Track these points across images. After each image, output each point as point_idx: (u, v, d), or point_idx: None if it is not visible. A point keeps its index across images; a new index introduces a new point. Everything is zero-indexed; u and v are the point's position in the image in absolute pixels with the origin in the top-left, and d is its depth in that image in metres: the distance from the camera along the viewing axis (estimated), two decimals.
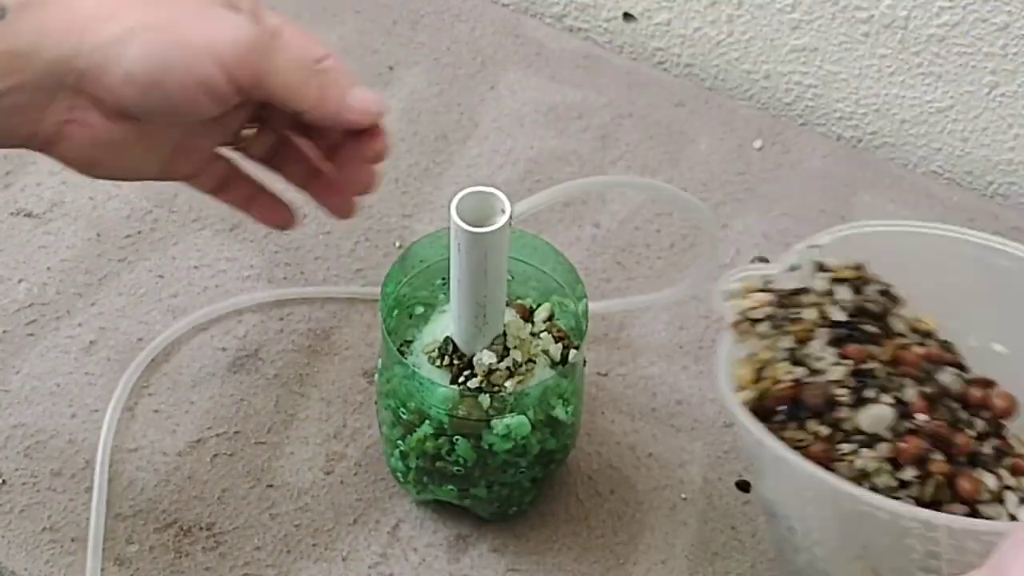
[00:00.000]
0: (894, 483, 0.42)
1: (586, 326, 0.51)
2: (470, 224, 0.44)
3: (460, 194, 0.44)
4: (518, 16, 0.83)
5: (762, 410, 0.44)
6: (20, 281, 0.64)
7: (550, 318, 0.54)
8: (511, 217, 0.44)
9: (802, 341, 0.45)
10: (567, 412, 0.51)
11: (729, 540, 0.55)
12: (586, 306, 0.52)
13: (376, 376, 0.55)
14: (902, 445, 0.42)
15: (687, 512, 0.56)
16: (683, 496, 0.57)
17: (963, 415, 0.44)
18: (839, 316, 0.45)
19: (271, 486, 0.56)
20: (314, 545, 0.54)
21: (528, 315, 0.54)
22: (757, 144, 0.75)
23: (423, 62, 0.78)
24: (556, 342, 0.53)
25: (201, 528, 0.54)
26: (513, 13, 0.84)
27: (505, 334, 0.51)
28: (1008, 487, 0.43)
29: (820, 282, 0.47)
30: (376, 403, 0.56)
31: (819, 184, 0.73)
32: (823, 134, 0.79)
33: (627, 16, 0.82)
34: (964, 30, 0.71)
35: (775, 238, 0.69)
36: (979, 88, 0.73)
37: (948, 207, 0.71)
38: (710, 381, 0.61)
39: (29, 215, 0.67)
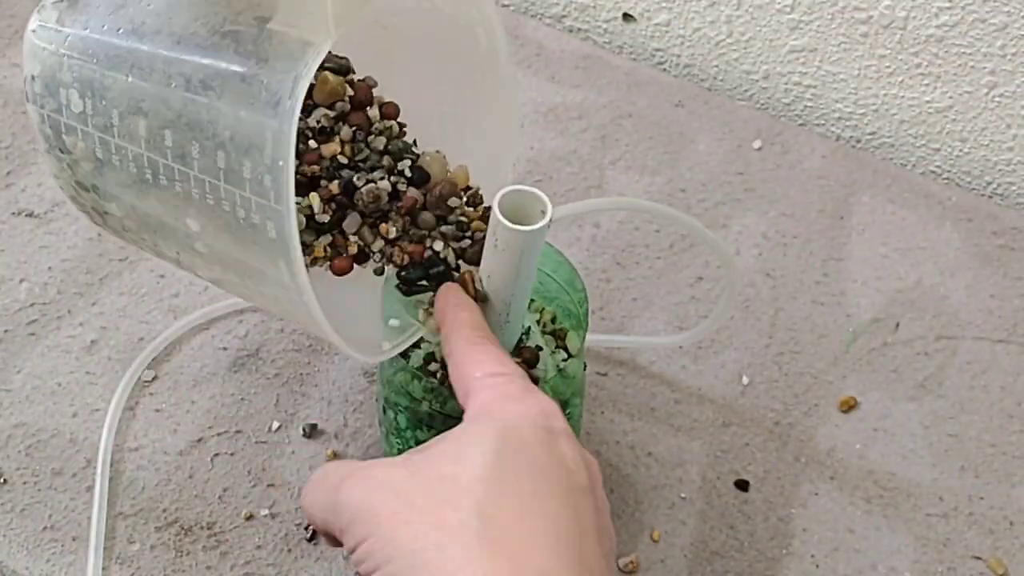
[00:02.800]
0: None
1: (586, 325, 0.51)
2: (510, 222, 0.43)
3: (503, 190, 0.43)
4: (518, 16, 0.83)
5: None
6: (21, 281, 0.64)
7: (552, 320, 0.54)
8: (551, 219, 0.44)
9: None
10: (567, 412, 0.51)
11: (728, 539, 0.55)
12: (586, 310, 0.52)
13: (377, 375, 0.55)
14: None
15: (686, 511, 0.56)
16: (682, 495, 0.57)
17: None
18: None
19: (272, 485, 0.56)
20: (315, 544, 0.54)
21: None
22: (756, 144, 0.75)
23: None
24: (556, 343, 0.53)
25: (202, 527, 0.54)
26: (513, 13, 0.84)
27: (523, 337, 0.51)
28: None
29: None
30: (377, 402, 0.56)
31: (818, 184, 0.73)
32: (822, 134, 0.79)
33: (627, 17, 0.83)
34: (963, 30, 0.71)
35: (775, 238, 0.69)
36: (978, 88, 0.73)
37: (947, 207, 0.71)
38: (709, 380, 0.62)
39: (30, 215, 0.67)
